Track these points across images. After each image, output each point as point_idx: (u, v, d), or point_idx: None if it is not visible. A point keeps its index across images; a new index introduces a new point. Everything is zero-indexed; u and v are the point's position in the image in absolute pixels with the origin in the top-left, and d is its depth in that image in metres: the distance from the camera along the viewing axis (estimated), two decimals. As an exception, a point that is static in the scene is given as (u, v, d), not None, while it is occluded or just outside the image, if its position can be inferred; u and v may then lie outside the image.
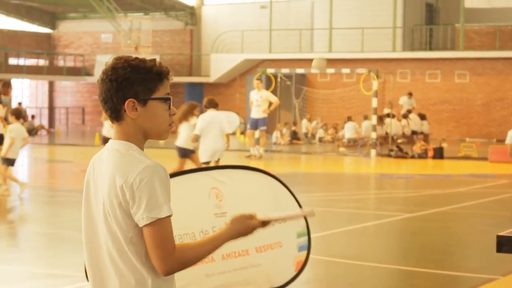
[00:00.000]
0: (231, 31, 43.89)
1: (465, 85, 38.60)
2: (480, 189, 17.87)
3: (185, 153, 15.42)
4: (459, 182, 19.48)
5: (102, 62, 45.09)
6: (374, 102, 27.05)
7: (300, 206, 5.09)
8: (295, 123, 35.74)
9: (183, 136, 15.37)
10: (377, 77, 27.43)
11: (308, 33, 42.09)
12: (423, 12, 42.70)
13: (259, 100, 24.49)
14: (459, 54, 38.22)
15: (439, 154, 26.65)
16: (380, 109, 32.22)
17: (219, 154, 15.37)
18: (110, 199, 3.15)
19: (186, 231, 5.27)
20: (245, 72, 42.97)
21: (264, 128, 24.88)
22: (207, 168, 5.53)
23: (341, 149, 30.16)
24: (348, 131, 32.17)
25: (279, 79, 29.84)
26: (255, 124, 24.95)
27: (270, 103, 24.66)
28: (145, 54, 41.15)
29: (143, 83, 3.20)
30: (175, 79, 45.76)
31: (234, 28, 43.81)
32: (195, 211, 5.34)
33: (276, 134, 33.13)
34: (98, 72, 45.14)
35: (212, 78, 43.37)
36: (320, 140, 35.35)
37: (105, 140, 20.30)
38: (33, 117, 44.71)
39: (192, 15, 46.03)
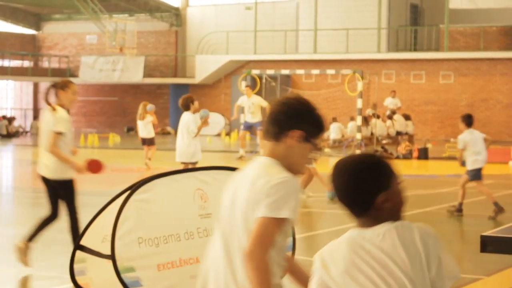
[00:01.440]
0: (216, 32, 43.86)
1: (450, 85, 38.71)
2: (464, 190, 17.86)
3: None
4: (443, 182, 19.53)
5: (87, 63, 45.01)
6: (359, 103, 27.11)
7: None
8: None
9: None
10: (362, 78, 27.50)
11: (293, 34, 42.10)
12: (408, 13, 42.78)
13: (252, 107, 24.51)
14: (443, 55, 38.33)
15: (423, 154, 26.71)
16: (365, 110, 32.27)
17: (186, 156, 14.70)
18: (249, 199, 3.57)
19: (171, 232, 5.28)
20: (230, 73, 42.96)
21: (261, 128, 24.92)
22: (191, 169, 5.53)
23: (326, 149, 30.20)
24: (333, 132, 32.20)
25: (264, 80, 29.86)
26: (250, 127, 24.99)
27: (262, 108, 24.63)
28: (130, 55, 41.09)
29: (314, 126, 3.75)
30: (160, 80, 45.81)
31: (219, 29, 43.79)
32: (180, 212, 5.33)
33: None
34: (83, 73, 45.20)
35: (197, 79, 43.32)
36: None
37: (143, 141, 21.57)
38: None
39: (177, 16, 45.97)
